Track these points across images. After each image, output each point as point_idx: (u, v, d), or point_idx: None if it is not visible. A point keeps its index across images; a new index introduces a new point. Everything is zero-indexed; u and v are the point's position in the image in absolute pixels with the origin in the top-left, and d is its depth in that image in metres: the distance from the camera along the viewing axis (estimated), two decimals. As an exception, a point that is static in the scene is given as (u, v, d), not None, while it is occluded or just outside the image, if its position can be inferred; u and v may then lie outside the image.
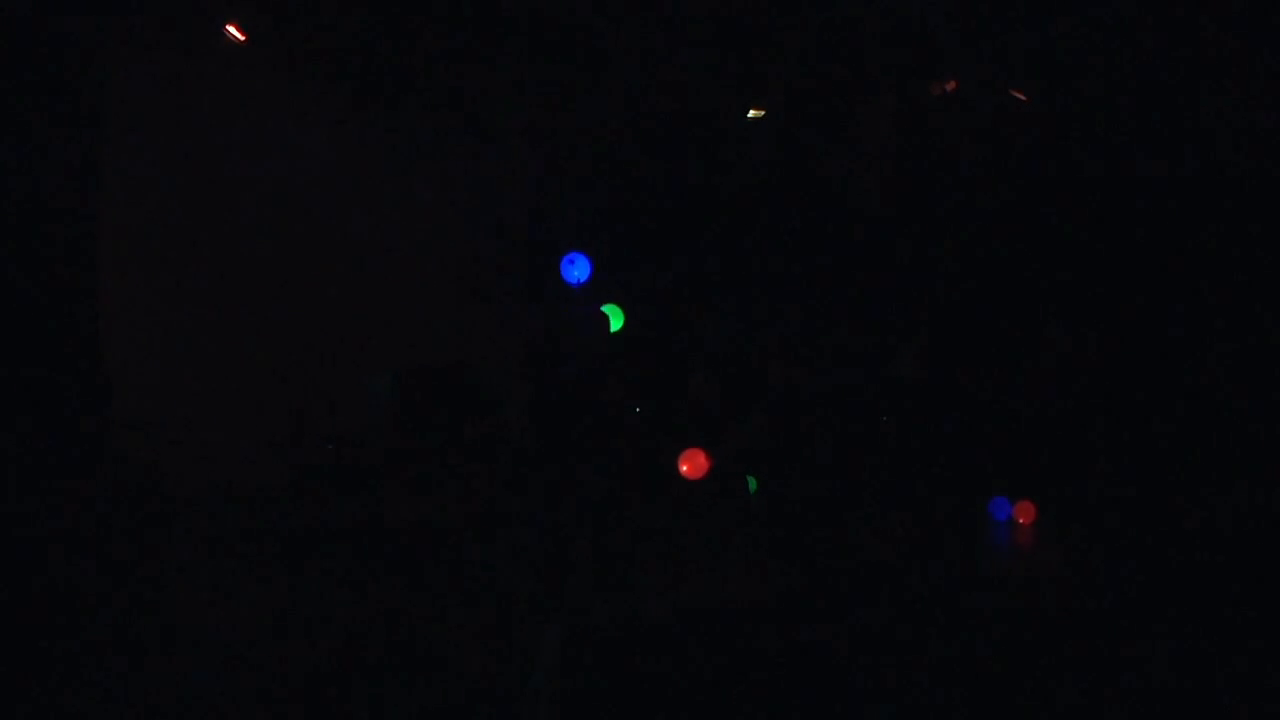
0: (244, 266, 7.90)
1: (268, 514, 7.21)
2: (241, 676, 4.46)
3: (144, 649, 4.76)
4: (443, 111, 8.38)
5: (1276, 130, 6.64)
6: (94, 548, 5.75)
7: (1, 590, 5.16)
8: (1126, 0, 6.66)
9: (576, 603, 5.49)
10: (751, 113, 8.24)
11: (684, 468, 7.09)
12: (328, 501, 7.47)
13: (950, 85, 7.67)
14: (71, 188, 6.29)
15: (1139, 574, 5.98)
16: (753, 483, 7.30)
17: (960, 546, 6.11)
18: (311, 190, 8.11)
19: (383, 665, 4.65)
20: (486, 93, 8.25)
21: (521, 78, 8.07)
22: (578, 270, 7.48)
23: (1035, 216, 7.70)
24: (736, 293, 8.66)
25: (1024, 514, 7.55)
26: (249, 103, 7.83)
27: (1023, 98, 7.53)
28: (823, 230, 8.45)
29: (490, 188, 8.66)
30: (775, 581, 5.75)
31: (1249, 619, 5.06)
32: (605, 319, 7.39)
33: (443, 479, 7.84)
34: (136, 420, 6.80)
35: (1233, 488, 6.55)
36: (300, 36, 7.58)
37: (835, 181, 8.35)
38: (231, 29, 7.36)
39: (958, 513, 6.78)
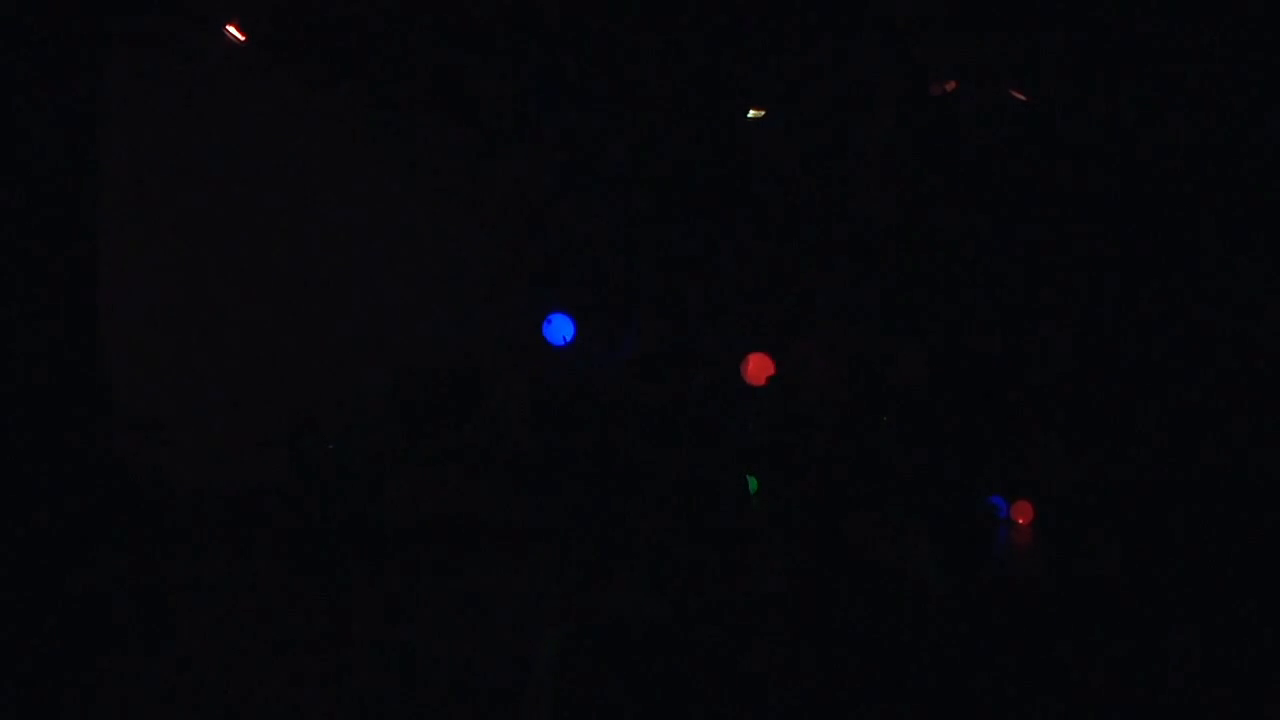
0: (244, 266, 7.89)
1: (268, 514, 7.21)
2: (241, 676, 4.46)
3: (144, 649, 4.76)
4: (443, 112, 8.37)
5: (1276, 130, 6.65)
6: (94, 548, 5.75)
7: (2, 590, 5.16)
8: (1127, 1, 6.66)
9: (576, 603, 5.49)
10: (751, 113, 8.24)
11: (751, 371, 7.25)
12: (328, 501, 7.47)
13: (950, 85, 7.67)
14: (71, 188, 6.28)
15: (1136, 573, 5.99)
16: (753, 482, 7.30)
17: (964, 547, 6.11)
18: (312, 190, 8.10)
19: (382, 665, 4.65)
20: (487, 93, 8.24)
21: (522, 78, 8.06)
22: (561, 331, 7.63)
23: (1035, 217, 7.70)
24: (736, 293, 8.65)
25: (1021, 514, 7.56)
26: (249, 103, 7.82)
27: (1022, 98, 7.53)
28: (822, 230, 8.44)
29: (491, 188, 8.66)
30: (775, 581, 5.76)
31: (1247, 616, 5.06)
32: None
33: (443, 479, 7.84)
34: (136, 420, 6.80)
35: (1231, 486, 6.55)
36: (300, 36, 7.58)
37: (835, 182, 8.34)
38: (231, 29, 7.36)
39: (960, 512, 6.79)
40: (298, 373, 7.87)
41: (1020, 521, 7.54)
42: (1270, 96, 6.57)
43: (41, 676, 4.31)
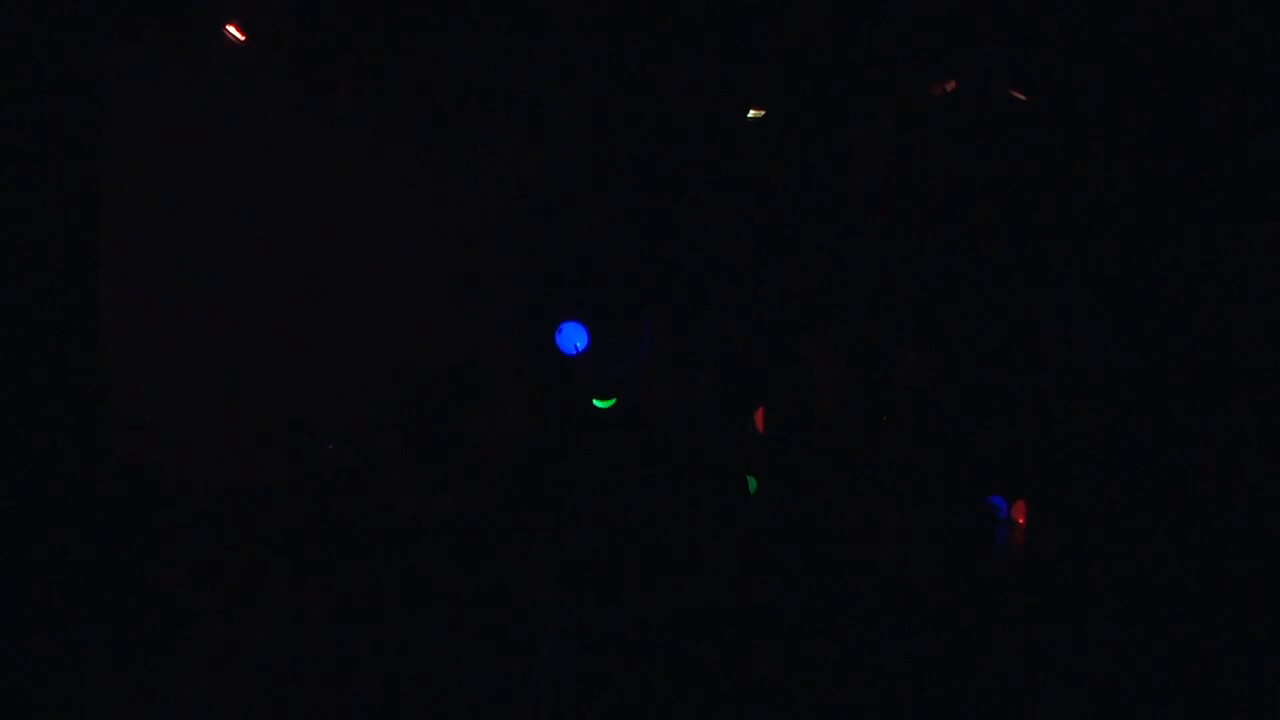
0: (244, 266, 7.90)
1: (268, 514, 7.21)
2: (241, 676, 4.46)
3: (144, 649, 4.76)
4: (442, 111, 8.37)
5: (1276, 130, 6.65)
6: (94, 548, 5.75)
7: (1, 590, 5.16)
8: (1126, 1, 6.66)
9: (577, 603, 5.49)
10: (751, 113, 8.24)
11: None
12: (328, 501, 7.47)
13: (950, 85, 7.67)
14: (71, 189, 6.27)
15: (1137, 574, 5.99)
16: (753, 483, 7.29)
17: (963, 547, 6.11)
18: (311, 190, 8.11)
19: (382, 665, 4.66)
20: (486, 92, 8.25)
21: (520, 77, 8.07)
22: (574, 339, 7.66)
23: (1035, 217, 7.70)
24: (735, 294, 8.66)
25: (1021, 514, 7.55)
26: (249, 103, 7.83)
27: (1023, 98, 7.53)
28: (822, 231, 8.45)
29: (489, 188, 8.66)
30: (774, 582, 5.75)
31: (1245, 618, 5.07)
32: None
33: (443, 479, 7.84)
34: (136, 420, 6.79)
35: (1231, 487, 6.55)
36: (300, 36, 7.58)
37: (834, 182, 8.35)
38: (231, 29, 7.36)
39: (959, 513, 6.79)
40: (297, 373, 7.88)
41: (1020, 521, 7.53)
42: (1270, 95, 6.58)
43: (42, 676, 4.30)
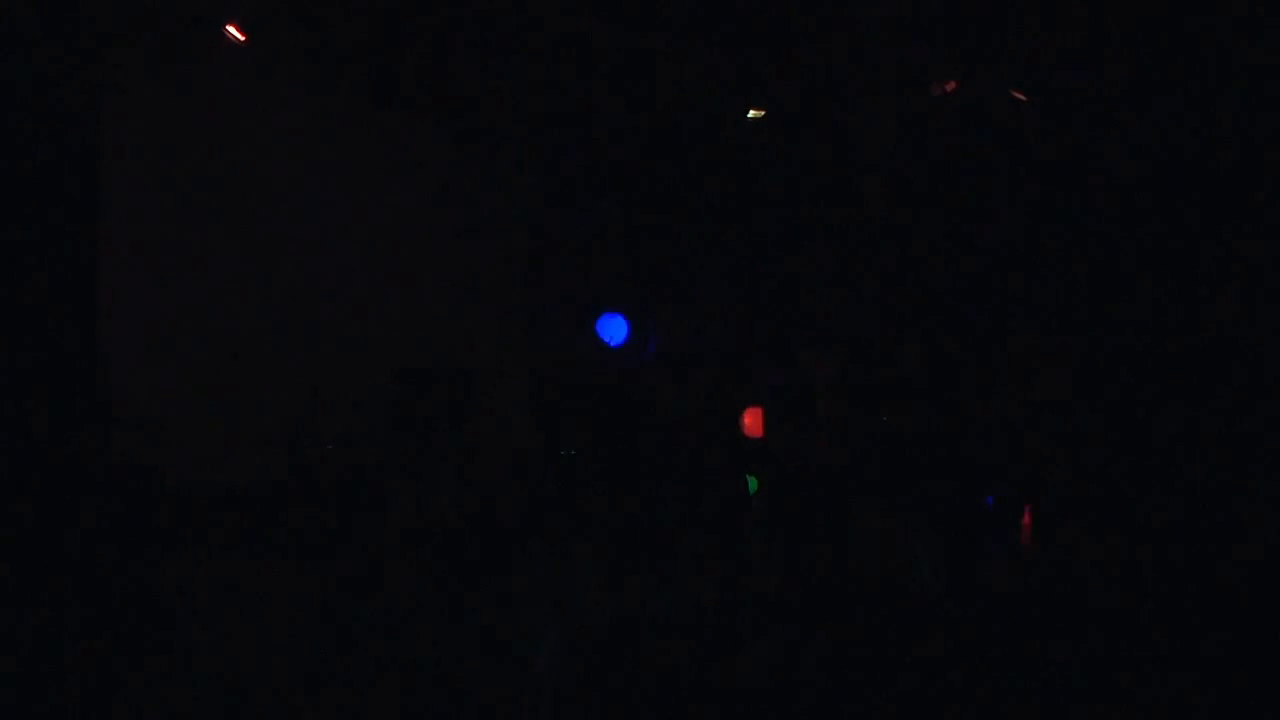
0: (244, 266, 7.89)
1: (268, 514, 7.21)
2: (241, 676, 4.46)
3: (144, 649, 4.76)
4: (443, 111, 8.37)
5: (1277, 129, 6.64)
6: (94, 548, 5.75)
7: (2, 590, 5.17)
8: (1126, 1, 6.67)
9: (576, 603, 5.49)
10: (752, 113, 8.25)
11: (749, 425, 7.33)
12: (328, 501, 7.47)
13: (950, 85, 7.67)
14: (71, 188, 6.28)
15: (1133, 574, 5.99)
16: (753, 483, 7.30)
17: (961, 547, 6.11)
18: (311, 190, 8.11)
19: (383, 664, 4.66)
20: (486, 93, 8.25)
21: (521, 78, 8.07)
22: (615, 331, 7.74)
23: (1034, 216, 7.71)
24: (735, 293, 8.66)
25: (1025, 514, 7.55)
26: (249, 103, 7.83)
27: (1023, 98, 7.53)
28: (823, 230, 8.45)
29: (490, 188, 8.66)
30: (774, 582, 5.75)
31: (1244, 622, 5.07)
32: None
33: (443, 479, 7.84)
34: (136, 420, 6.80)
35: (1230, 488, 6.55)
36: (300, 36, 7.58)
37: (835, 181, 8.35)
38: (231, 29, 7.36)
39: (959, 513, 6.79)
40: (297, 373, 7.87)
41: (1020, 522, 7.53)
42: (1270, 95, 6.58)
43: (42, 676, 4.31)
